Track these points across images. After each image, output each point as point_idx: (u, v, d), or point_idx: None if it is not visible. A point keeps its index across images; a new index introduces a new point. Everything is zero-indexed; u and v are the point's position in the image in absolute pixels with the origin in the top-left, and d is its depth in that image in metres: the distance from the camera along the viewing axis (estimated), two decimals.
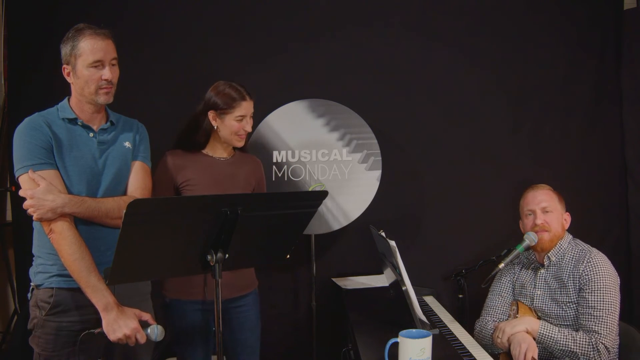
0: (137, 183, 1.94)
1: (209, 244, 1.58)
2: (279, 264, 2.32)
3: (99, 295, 1.74)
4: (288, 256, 1.88)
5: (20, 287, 2.92)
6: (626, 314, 2.13)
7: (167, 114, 2.83)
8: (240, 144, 2.25)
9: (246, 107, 2.19)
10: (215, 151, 2.27)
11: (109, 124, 1.92)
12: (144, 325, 1.77)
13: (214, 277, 1.59)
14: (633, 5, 3.21)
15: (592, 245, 2.25)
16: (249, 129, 2.23)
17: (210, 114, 2.20)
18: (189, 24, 2.93)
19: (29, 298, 1.87)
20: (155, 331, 1.76)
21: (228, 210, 1.53)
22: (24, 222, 2.82)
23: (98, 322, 1.75)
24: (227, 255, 1.60)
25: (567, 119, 3.20)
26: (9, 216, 3.10)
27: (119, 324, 1.73)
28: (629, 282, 3.11)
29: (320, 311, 2.93)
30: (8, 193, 3.01)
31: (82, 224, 1.80)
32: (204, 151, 2.27)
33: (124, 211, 1.39)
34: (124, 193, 1.93)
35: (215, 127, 2.21)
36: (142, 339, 1.75)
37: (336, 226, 2.80)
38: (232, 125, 2.19)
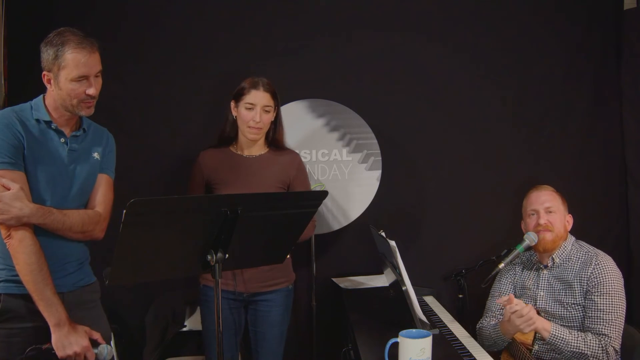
0: (102, 197, 1.91)
1: (209, 244, 1.58)
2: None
3: (52, 310, 1.69)
4: (288, 256, 1.88)
5: None
6: (626, 314, 2.12)
7: (166, 114, 2.84)
8: (252, 136, 2.27)
9: (257, 96, 2.23)
10: (243, 149, 2.32)
11: (81, 131, 1.87)
12: (94, 344, 1.75)
13: (214, 277, 1.59)
14: (633, 5, 3.20)
15: (592, 246, 2.25)
16: (258, 119, 2.23)
17: (231, 104, 2.29)
18: (189, 24, 2.92)
19: None
20: (105, 351, 1.74)
21: (228, 210, 1.53)
22: None
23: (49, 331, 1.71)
24: (227, 255, 1.60)
25: (567, 119, 3.20)
26: None
27: (70, 341, 1.69)
28: (629, 282, 3.10)
29: (320, 311, 2.93)
30: None
31: (41, 233, 1.74)
32: (234, 150, 2.33)
33: (124, 211, 1.38)
34: (86, 204, 1.89)
35: (234, 117, 2.28)
36: (91, 358, 1.72)
37: (336, 226, 2.80)
38: (242, 113, 2.25)
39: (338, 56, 3.04)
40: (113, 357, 1.75)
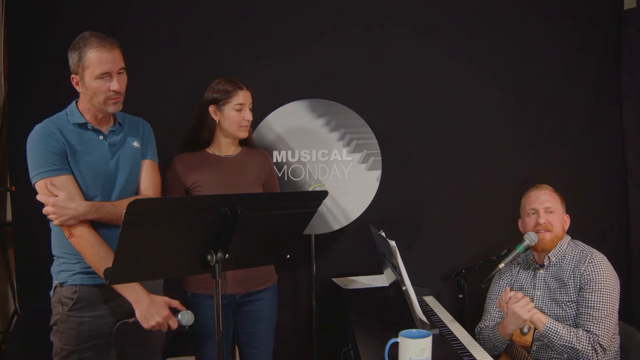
0: (149, 182, 2.02)
1: (209, 244, 1.58)
2: (279, 264, 2.32)
3: (128, 288, 1.83)
4: (288, 256, 1.88)
5: (20, 287, 2.92)
6: (626, 314, 2.13)
7: (165, 114, 2.83)
8: (244, 134, 2.30)
9: (244, 96, 2.27)
10: (221, 149, 2.33)
11: (117, 125, 1.98)
12: (174, 311, 1.88)
13: (214, 277, 1.59)
14: (633, 5, 3.21)
15: (592, 246, 2.25)
16: (250, 118, 2.29)
17: (211, 109, 2.27)
18: (189, 24, 2.93)
19: (51, 295, 1.94)
20: (186, 316, 1.87)
21: (228, 210, 1.53)
22: (24, 222, 2.83)
23: (128, 315, 1.84)
24: (227, 255, 1.60)
25: (567, 119, 3.20)
26: (9, 216, 3.10)
27: (151, 313, 1.83)
28: (629, 282, 3.10)
29: (320, 311, 2.93)
30: (8, 193, 3.01)
31: (99, 226, 1.86)
32: (210, 151, 2.33)
33: (124, 211, 1.40)
34: (136, 192, 1.99)
35: (217, 121, 2.27)
36: (174, 325, 1.86)
37: (336, 226, 2.80)
38: (232, 115, 2.25)
39: (338, 56, 3.04)
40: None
